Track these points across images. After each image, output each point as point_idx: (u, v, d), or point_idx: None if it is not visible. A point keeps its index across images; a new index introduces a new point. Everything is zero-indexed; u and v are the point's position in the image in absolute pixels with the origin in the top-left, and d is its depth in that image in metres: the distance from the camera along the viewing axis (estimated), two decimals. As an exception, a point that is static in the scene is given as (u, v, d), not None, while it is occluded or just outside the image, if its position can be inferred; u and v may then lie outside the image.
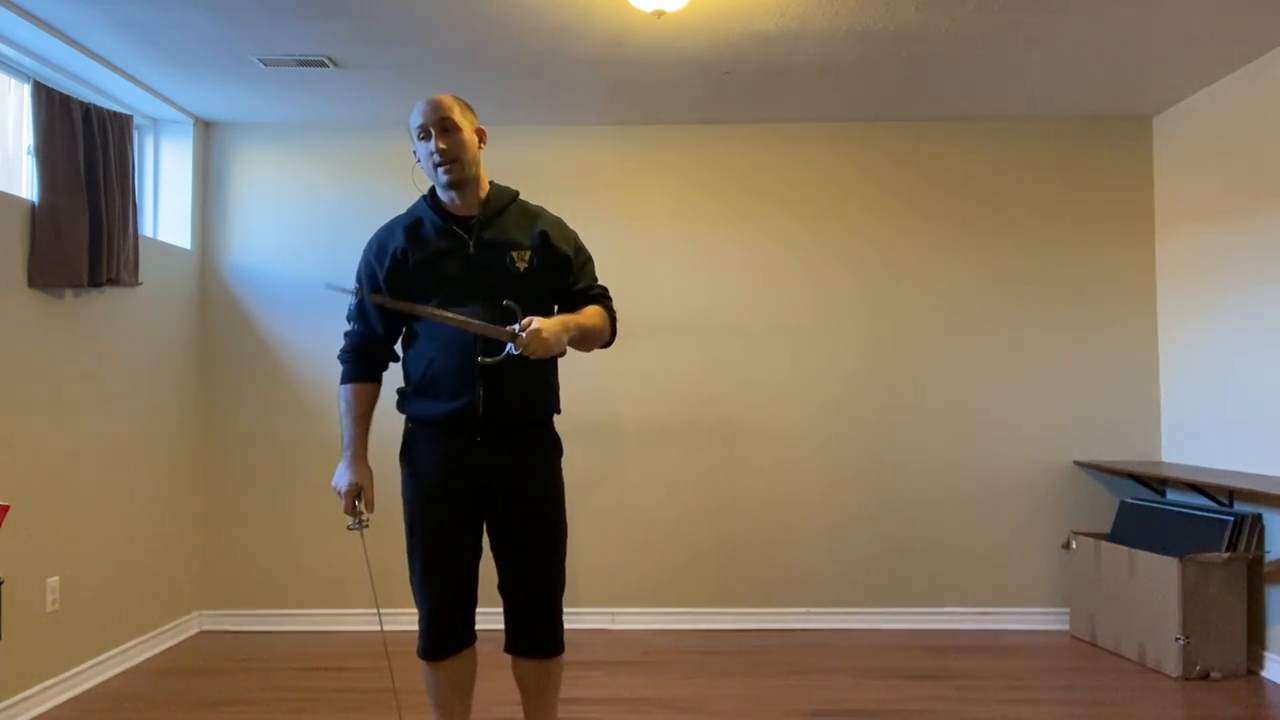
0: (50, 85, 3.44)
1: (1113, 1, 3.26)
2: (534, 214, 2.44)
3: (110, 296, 3.81)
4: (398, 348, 2.47)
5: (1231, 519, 3.74)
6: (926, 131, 4.62)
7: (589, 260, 2.50)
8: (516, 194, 2.46)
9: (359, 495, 2.36)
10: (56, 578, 3.46)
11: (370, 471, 2.40)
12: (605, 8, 3.29)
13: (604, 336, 2.43)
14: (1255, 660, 3.78)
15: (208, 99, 4.25)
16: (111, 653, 3.79)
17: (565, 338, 2.24)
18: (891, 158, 4.62)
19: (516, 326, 2.16)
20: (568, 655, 3.98)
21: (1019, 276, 4.57)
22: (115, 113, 3.70)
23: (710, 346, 4.58)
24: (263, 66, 3.83)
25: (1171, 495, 4.35)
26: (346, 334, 2.45)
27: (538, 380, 2.36)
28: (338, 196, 4.61)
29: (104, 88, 4.02)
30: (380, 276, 2.38)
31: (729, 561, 4.54)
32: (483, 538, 2.41)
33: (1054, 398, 4.53)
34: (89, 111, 3.56)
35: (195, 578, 4.49)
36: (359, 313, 2.42)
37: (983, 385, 4.55)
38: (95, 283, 3.56)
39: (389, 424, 4.35)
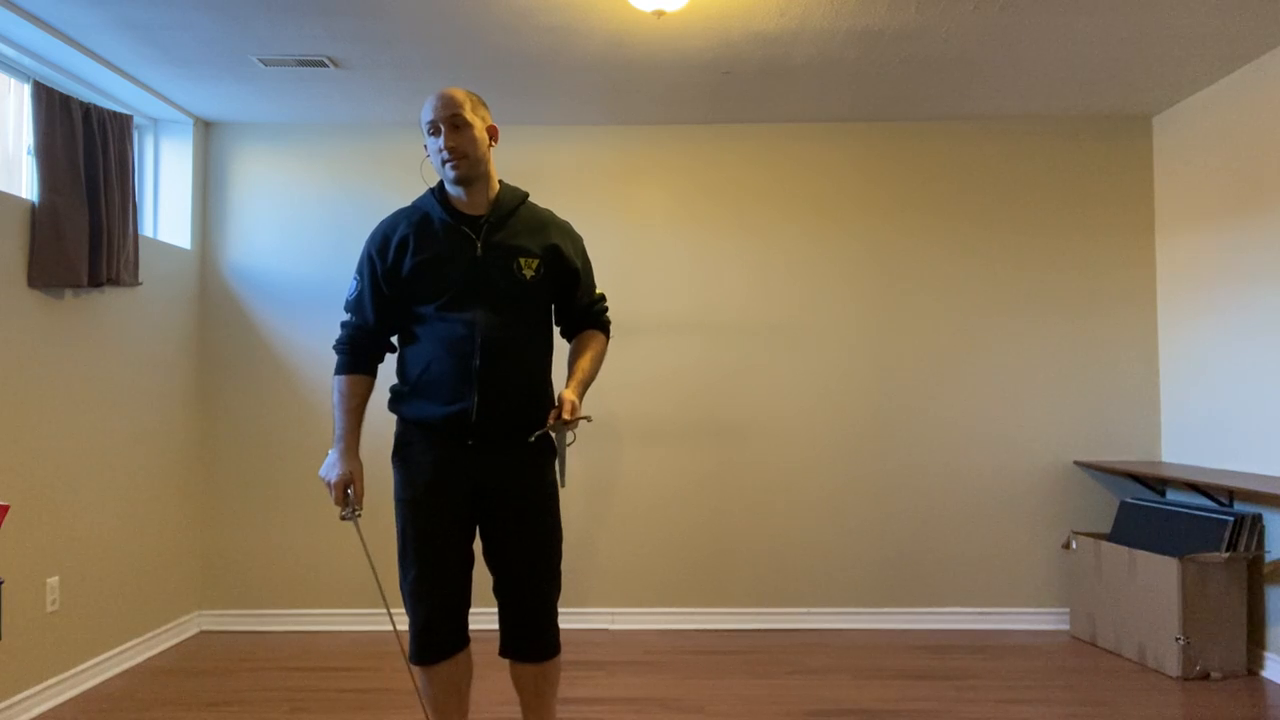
0: (50, 85, 3.44)
1: (1113, 1, 3.26)
2: (544, 220, 2.43)
3: (110, 296, 3.81)
4: (394, 341, 2.46)
5: (1231, 519, 3.74)
6: (926, 131, 4.62)
7: (590, 269, 2.54)
8: (526, 195, 2.45)
9: (349, 486, 2.36)
10: (56, 578, 3.46)
11: (360, 463, 2.40)
12: (605, 8, 3.29)
13: (603, 358, 2.53)
14: (1255, 660, 3.78)
15: (208, 99, 4.25)
16: (111, 653, 3.80)
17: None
18: (891, 158, 4.62)
19: (561, 420, 2.27)
20: (569, 655, 3.99)
21: (1019, 276, 4.57)
22: (115, 113, 3.70)
23: (710, 346, 4.58)
24: (263, 66, 3.83)
25: (1171, 495, 4.35)
26: (343, 324, 2.43)
27: (532, 388, 2.36)
28: (337, 196, 4.61)
29: (104, 88, 4.02)
30: (380, 270, 2.35)
31: (729, 562, 4.53)
32: (474, 542, 2.41)
33: (1054, 398, 4.53)
34: (89, 111, 3.56)
35: (195, 578, 4.49)
36: (355, 304, 2.40)
37: (982, 385, 4.55)
38: (95, 283, 3.56)
39: (382, 423, 4.30)
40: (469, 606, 2.38)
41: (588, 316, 2.52)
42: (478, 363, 2.27)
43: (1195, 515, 3.91)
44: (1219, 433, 4.08)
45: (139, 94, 4.09)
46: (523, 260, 2.33)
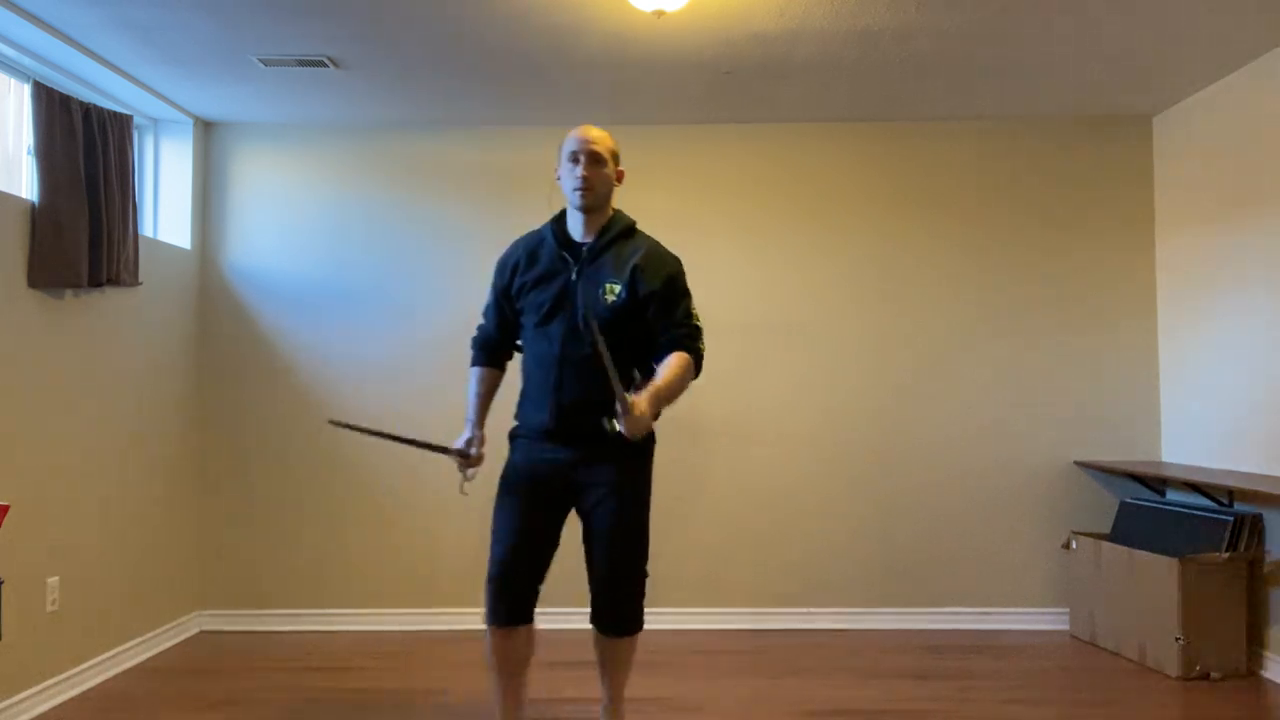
0: (50, 85, 3.43)
1: (1112, 2, 3.26)
2: (638, 246, 2.60)
3: (110, 296, 3.81)
4: (519, 343, 2.76)
5: (1231, 519, 3.74)
6: (926, 131, 4.62)
7: (681, 296, 2.61)
8: (633, 225, 2.64)
9: (468, 443, 2.66)
10: (56, 578, 3.46)
11: (483, 434, 2.71)
12: (605, 8, 3.30)
13: (685, 386, 2.58)
14: (1255, 660, 3.78)
15: (208, 99, 4.25)
16: (111, 653, 3.79)
17: (655, 415, 2.46)
18: (892, 158, 4.62)
19: (626, 402, 2.34)
20: (569, 656, 3.99)
21: (1019, 276, 4.57)
22: (115, 113, 3.70)
23: (710, 347, 4.55)
24: (263, 66, 3.83)
25: (1171, 495, 4.35)
26: (478, 326, 2.80)
27: (607, 404, 2.43)
28: (337, 196, 4.61)
29: (104, 88, 4.02)
30: (499, 286, 2.70)
31: (730, 561, 4.53)
32: (560, 527, 2.61)
33: (1054, 398, 4.53)
34: (89, 111, 3.55)
35: (195, 578, 4.49)
36: (485, 311, 2.77)
37: (983, 385, 4.55)
38: (95, 283, 3.56)
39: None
40: (536, 584, 2.57)
41: (669, 339, 2.58)
42: (555, 378, 2.51)
43: (1195, 515, 3.91)
44: (1219, 433, 4.08)
45: (139, 94, 4.09)
46: (608, 285, 2.53)
